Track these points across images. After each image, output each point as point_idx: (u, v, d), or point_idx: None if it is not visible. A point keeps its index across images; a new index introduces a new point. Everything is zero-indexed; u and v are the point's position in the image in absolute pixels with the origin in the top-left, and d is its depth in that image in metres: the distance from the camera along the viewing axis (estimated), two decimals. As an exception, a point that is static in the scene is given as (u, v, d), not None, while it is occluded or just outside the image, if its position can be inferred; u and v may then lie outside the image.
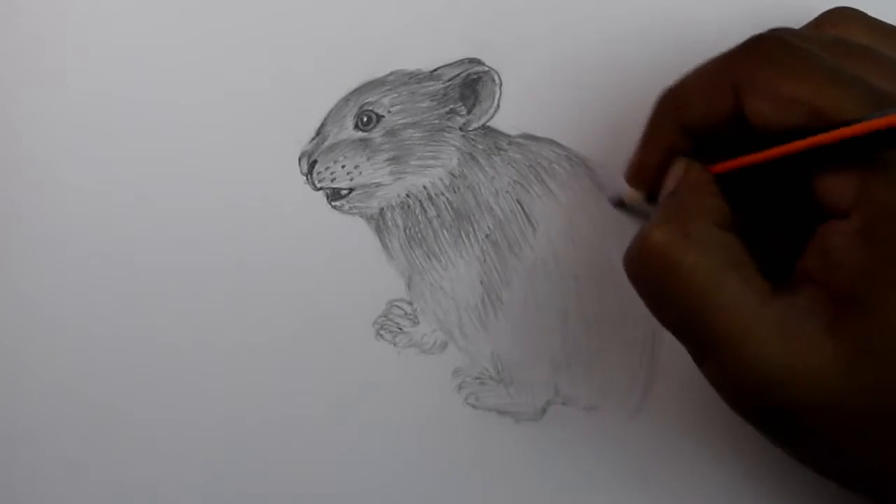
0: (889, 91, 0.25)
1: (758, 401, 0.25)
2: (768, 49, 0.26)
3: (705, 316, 0.25)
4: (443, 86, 0.35)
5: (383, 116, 0.35)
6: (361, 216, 0.35)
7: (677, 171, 0.28)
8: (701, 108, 0.27)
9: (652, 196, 0.31)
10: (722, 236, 0.26)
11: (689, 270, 0.25)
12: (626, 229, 0.34)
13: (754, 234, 0.27)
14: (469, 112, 0.35)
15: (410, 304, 0.35)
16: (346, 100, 0.35)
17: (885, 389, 0.23)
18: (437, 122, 0.35)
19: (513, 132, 0.35)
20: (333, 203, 0.35)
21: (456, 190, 0.35)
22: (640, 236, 0.26)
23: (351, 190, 0.35)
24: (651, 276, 0.26)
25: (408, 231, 0.35)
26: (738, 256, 0.26)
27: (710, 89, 0.27)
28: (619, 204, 0.33)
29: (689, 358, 0.27)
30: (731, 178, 0.27)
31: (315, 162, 0.35)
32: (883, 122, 0.23)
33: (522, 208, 0.34)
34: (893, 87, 0.25)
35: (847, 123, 0.24)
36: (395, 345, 0.34)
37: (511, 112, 0.35)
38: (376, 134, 0.35)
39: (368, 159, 0.35)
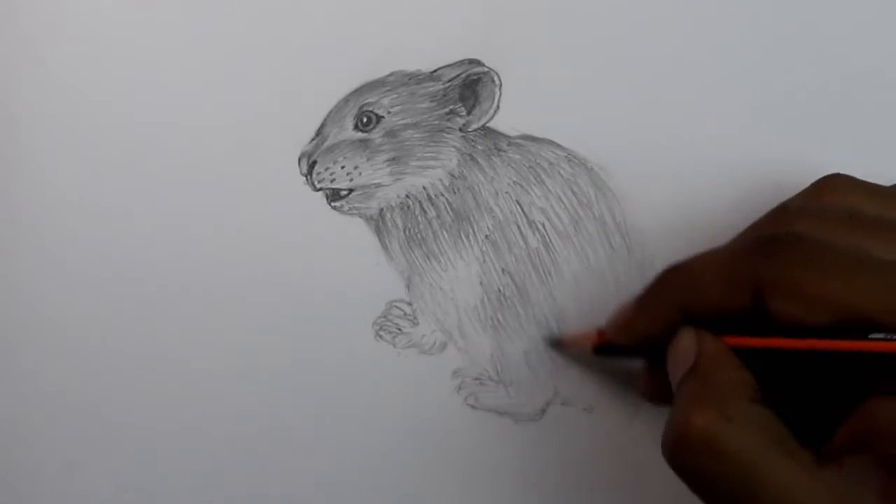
0: None
1: None
2: (789, 251, 0.26)
3: (759, 497, 0.24)
4: (443, 86, 0.35)
5: (383, 117, 0.35)
6: (361, 217, 0.35)
7: (688, 344, 0.28)
8: (713, 301, 0.27)
9: (608, 351, 0.31)
10: (759, 413, 0.25)
11: (736, 454, 0.25)
12: (625, 236, 0.34)
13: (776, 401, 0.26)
14: (469, 113, 0.35)
15: (410, 304, 0.35)
16: (346, 100, 0.35)
17: None
18: (436, 122, 0.35)
19: (512, 133, 0.35)
20: (333, 204, 0.35)
21: (456, 191, 0.35)
22: (679, 423, 0.26)
23: (350, 191, 0.35)
24: (697, 464, 0.25)
25: (407, 232, 0.35)
26: (778, 431, 0.25)
27: (726, 286, 0.27)
28: (556, 345, 0.34)
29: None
30: (742, 352, 0.27)
31: (315, 162, 0.35)
32: None
33: (522, 209, 0.34)
34: None
35: (887, 337, 0.24)
36: (394, 345, 0.34)
37: (511, 113, 0.35)
38: (376, 135, 0.35)
39: (368, 160, 0.35)
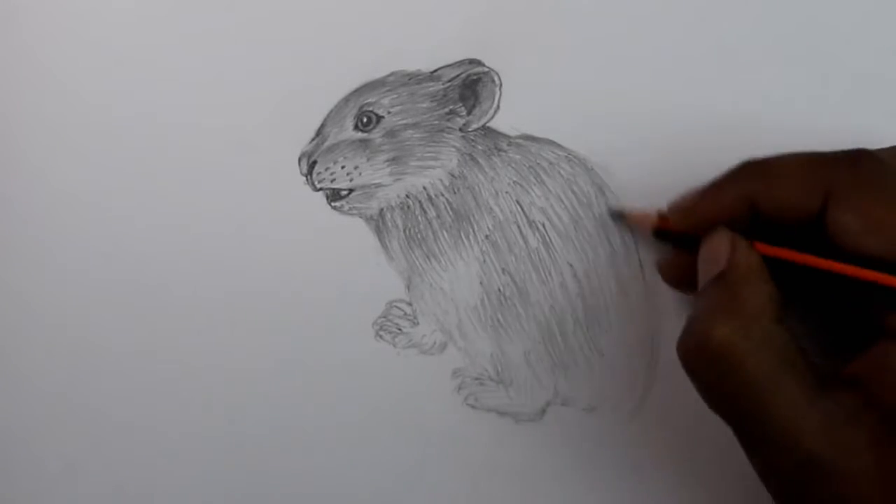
0: None
1: (797, 491, 0.25)
2: (870, 167, 0.27)
3: (763, 413, 0.25)
4: (443, 86, 0.35)
5: (383, 117, 0.35)
6: (361, 217, 0.35)
7: (722, 246, 0.28)
8: (785, 197, 0.27)
9: (668, 236, 0.31)
10: (780, 333, 0.26)
11: (750, 370, 0.25)
12: (626, 230, 0.34)
13: (801, 316, 0.27)
14: (469, 113, 0.35)
15: (410, 304, 0.35)
16: (346, 100, 0.35)
17: None
18: (436, 122, 0.35)
19: (512, 133, 0.35)
20: (333, 204, 0.35)
21: (456, 191, 0.35)
22: (699, 329, 0.26)
23: (351, 190, 0.35)
24: (710, 372, 0.26)
25: (407, 232, 0.35)
26: (792, 353, 0.26)
27: (801, 184, 0.27)
28: (617, 216, 0.34)
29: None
30: (775, 264, 0.27)
31: (315, 162, 0.35)
32: None
33: (522, 209, 0.34)
34: None
35: None
36: (394, 345, 0.34)
37: (511, 113, 0.35)
38: (376, 135, 0.35)
39: (368, 160, 0.35)
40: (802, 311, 0.27)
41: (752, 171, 0.29)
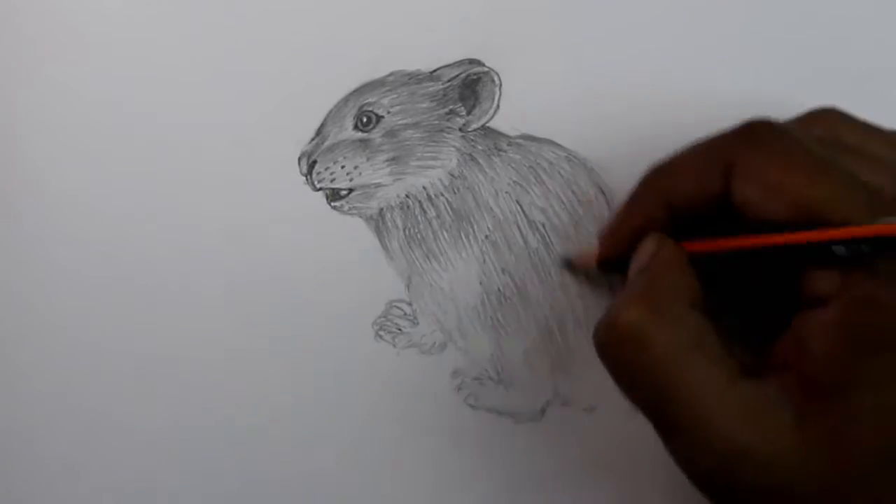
0: (880, 186, 0.25)
1: (717, 480, 0.25)
2: (763, 135, 0.26)
3: (672, 395, 0.25)
4: (442, 86, 0.35)
5: (383, 117, 0.35)
6: (361, 217, 0.35)
7: (649, 246, 0.28)
8: (689, 186, 0.27)
9: (611, 265, 0.31)
10: (693, 317, 0.26)
11: (660, 350, 0.25)
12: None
13: (731, 313, 0.27)
14: (469, 113, 0.35)
15: (410, 304, 0.35)
16: (346, 100, 0.35)
17: (846, 476, 0.23)
18: (436, 122, 0.35)
19: (512, 133, 0.35)
20: (333, 203, 0.35)
21: (455, 191, 0.35)
22: (612, 313, 0.26)
23: (350, 190, 0.35)
24: (622, 354, 0.26)
25: (407, 232, 0.35)
26: (707, 337, 0.26)
27: (701, 168, 0.27)
28: (567, 265, 0.34)
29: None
30: (703, 258, 0.27)
31: (315, 162, 0.35)
32: (872, 230, 0.24)
33: (522, 209, 0.34)
34: (886, 182, 0.25)
35: (837, 225, 0.24)
36: (394, 345, 0.34)
37: (511, 113, 0.35)
38: (376, 134, 0.35)
39: (368, 160, 0.35)
40: (733, 308, 0.27)
41: (658, 173, 0.29)
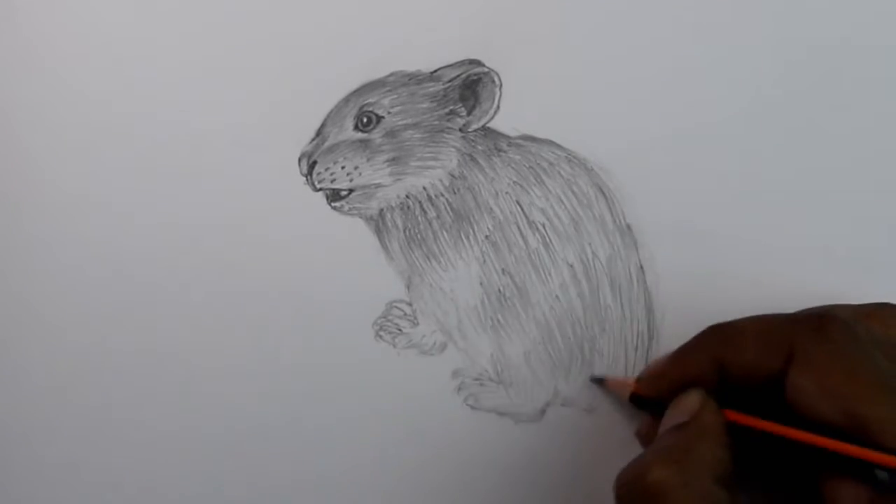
0: None
1: None
2: (835, 332, 0.27)
3: None
4: (443, 87, 0.35)
5: (383, 117, 0.35)
6: (361, 217, 0.35)
7: (692, 403, 0.28)
8: (749, 357, 0.28)
9: (643, 403, 0.31)
10: (717, 494, 0.26)
11: None
12: (626, 236, 0.34)
13: (750, 484, 0.27)
14: (469, 113, 0.35)
15: (410, 305, 0.35)
16: (346, 100, 0.35)
17: None
18: (436, 123, 0.35)
19: (513, 133, 0.35)
20: (333, 204, 0.35)
21: (456, 191, 0.35)
22: (640, 467, 0.26)
23: (351, 191, 0.35)
24: None
25: (407, 232, 0.35)
26: None
27: (766, 343, 0.27)
28: (598, 381, 0.34)
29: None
30: (741, 429, 0.28)
31: (315, 163, 0.35)
32: None
33: (522, 209, 0.34)
34: None
35: (887, 450, 0.24)
36: (394, 346, 0.34)
37: (511, 113, 0.35)
38: (376, 135, 0.35)
39: (368, 160, 0.35)
40: (759, 485, 0.27)
41: (718, 335, 0.29)
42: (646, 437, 0.32)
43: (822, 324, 0.27)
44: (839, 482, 0.26)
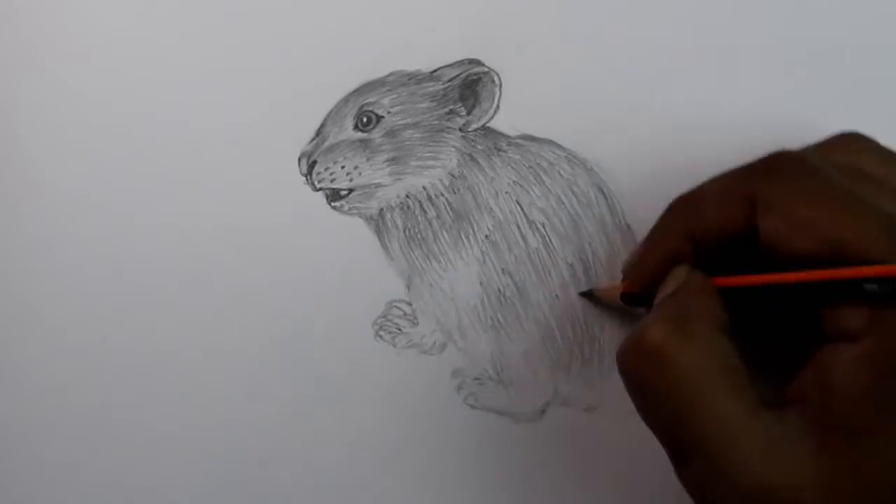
0: None
1: None
2: (790, 168, 0.26)
3: (693, 421, 0.25)
4: (442, 86, 0.35)
5: (383, 117, 0.35)
6: (361, 217, 0.35)
7: (678, 275, 0.28)
8: (714, 218, 0.27)
9: (636, 298, 0.31)
10: (720, 341, 0.26)
11: (686, 370, 0.25)
12: (626, 236, 0.34)
13: (751, 345, 0.26)
14: (469, 113, 0.35)
15: (410, 304, 0.35)
16: (346, 100, 0.35)
17: None
18: (436, 122, 0.35)
19: (512, 133, 0.35)
20: (333, 204, 0.35)
21: (455, 191, 0.35)
22: (637, 332, 0.26)
23: (350, 190, 0.35)
24: (645, 372, 0.26)
25: (407, 232, 0.35)
26: (733, 363, 0.25)
27: (726, 200, 0.27)
28: (588, 296, 0.34)
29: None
30: (732, 292, 0.27)
31: (315, 162, 0.35)
32: None
33: (522, 209, 0.34)
34: None
35: (870, 263, 0.24)
36: (394, 345, 0.34)
37: (511, 113, 0.35)
38: (376, 135, 0.35)
39: (368, 160, 0.35)
40: (755, 343, 0.27)
41: (682, 207, 0.29)
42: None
43: (774, 163, 0.27)
44: (835, 311, 0.25)
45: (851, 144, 0.29)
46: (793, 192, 0.26)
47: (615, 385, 0.34)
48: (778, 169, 0.26)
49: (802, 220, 0.25)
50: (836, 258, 0.24)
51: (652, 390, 0.26)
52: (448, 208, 0.35)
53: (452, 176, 0.35)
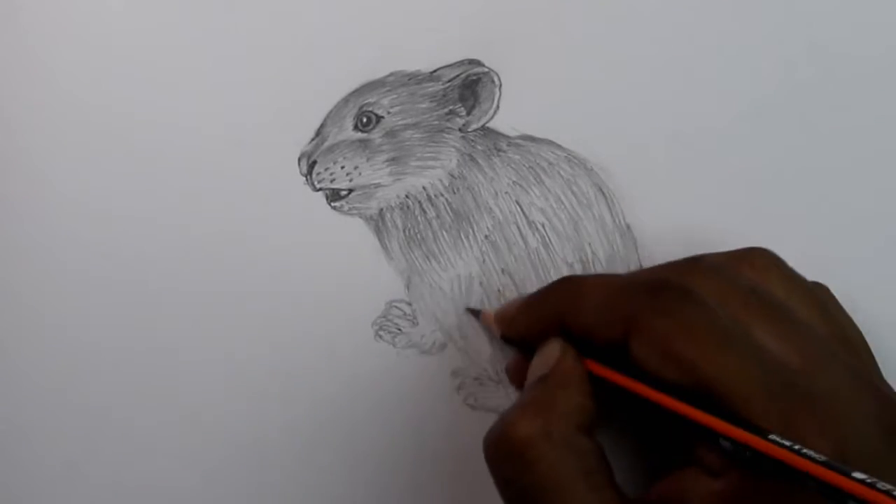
0: (786, 358, 0.25)
1: None
2: (670, 298, 0.26)
3: None
4: (442, 87, 0.35)
5: (383, 117, 0.35)
6: (361, 217, 0.35)
7: (551, 352, 0.28)
8: (590, 324, 0.27)
9: (512, 342, 0.31)
10: (582, 442, 0.26)
11: (545, 472, 0.25)
12: (625, 236, 0.34)
13: (616, 434, 0.27)
14: (468, 113, 0.35)
15: (409, 304, 0.35)
16: (346, 100, 0.35)
17: None
18: (436, 123, 0.35)
19: (512, 133, 0.35)
20: (333, 204, 0.35)
21: (455, 191, 0.35)
22: (505, 424, 0.27)
23: (350, 191, 0.35)
24: (508, 466, 0.26)
25: (407, 232, 0.35)
26: (593, 464, 0.26)
27: (604, 314, 0.27)
28: (474, 315, 0.34)
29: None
30: (602, 379, 0.28)
31: (314, 163, 0.35)
32: (759, 444, 0.23)
33: (522, 209, 0.34)
34: (795, 355, 0.25)
35: (734, 407, 0.24)
36: (394, 345, 0.34)
37: (510, 113, 0.35)
38: (376, 135, 0.35)
39: (368, 160, 0.35)
40: (622, 434, 0.27)
41: (564, 291, 0.29)
42: (512, 373, 0.32)
43: (657, 291, 0.27)
44: (698, 443, 0.26)
45: (760, 261, 0.29)
46: (669, 326, 0.26)
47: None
48: (659, 297, 0.26)
49: (674, 353, 0.25)
50: (704, 395, 0.25)
51: (514, 484, 0.26)
52: (448, 208, 0.35)
53: (452, 176, 0.35)
